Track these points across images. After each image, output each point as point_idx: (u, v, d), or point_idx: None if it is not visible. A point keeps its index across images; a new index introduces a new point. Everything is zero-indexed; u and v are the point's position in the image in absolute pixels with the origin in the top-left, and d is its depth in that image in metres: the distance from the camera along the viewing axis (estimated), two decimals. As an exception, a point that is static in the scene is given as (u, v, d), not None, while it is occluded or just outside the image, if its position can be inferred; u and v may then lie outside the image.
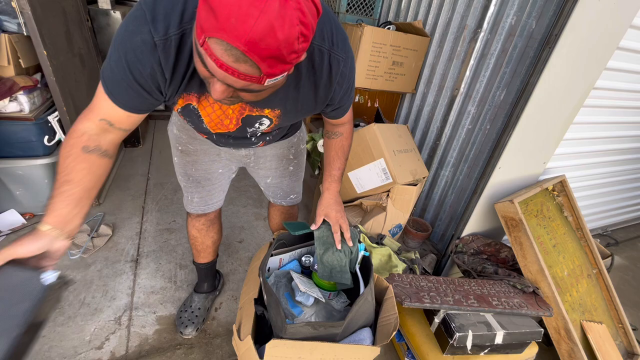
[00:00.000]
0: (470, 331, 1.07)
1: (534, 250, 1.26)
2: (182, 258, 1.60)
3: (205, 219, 1.15)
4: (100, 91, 0.65)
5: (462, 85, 1.63)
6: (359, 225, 1.47)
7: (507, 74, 1.41)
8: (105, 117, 0.68)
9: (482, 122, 1.56)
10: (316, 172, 1.94)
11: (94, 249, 1.55)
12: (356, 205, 1.59)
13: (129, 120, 0.70)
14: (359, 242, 1.05)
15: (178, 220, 1.84)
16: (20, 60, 1.41)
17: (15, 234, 1.57)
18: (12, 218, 1.62)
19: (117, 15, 2.13)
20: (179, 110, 0.80)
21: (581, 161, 1.68)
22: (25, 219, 1.65)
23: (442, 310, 1.14)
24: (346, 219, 1.03)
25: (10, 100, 1.42)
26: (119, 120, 0.69)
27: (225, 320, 1.33)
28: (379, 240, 1.50)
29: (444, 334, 1.11)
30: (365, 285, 0.97)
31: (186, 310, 1.27)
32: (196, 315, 1.26)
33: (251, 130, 0.87)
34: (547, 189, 1.46)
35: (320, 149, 1.74)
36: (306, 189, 1.33)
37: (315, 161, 1.92)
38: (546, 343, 1.34)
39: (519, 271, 1.35)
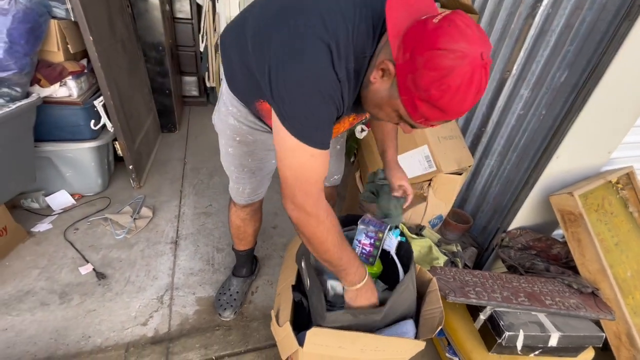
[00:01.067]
0: (521, 331, 1.00)
1: (594, 248, 1.15)
2: (219, 242, 1.63)
3: (250, 208, 1.15)
4: (305, 150, 0.63)
5: (515, 67, 1.50)
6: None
7: (571, 52, 1.27)
8: (326, 174, 0.70)
9: (537, 107, 1.43)
10: (352, 159, 1.89)
11: (136, 230, 1.61)
12: (394, 194, 1.53)
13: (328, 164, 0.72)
14: (396, 227, 1.00)
15: (214, 205, 1.87)
16: (69, 46, 1.45)
17: (66, 213, 1.67)
18: (63, 198, 1.72)
19: (155, 0, 2.15)
20: None
21: (651, 151, 1.50)
22: (74, 199, 1.75)
23: (488, 307, 1.07)
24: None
25: (60, 85, 1.48)
26: (328, 167, 0.70)
27: (262, 305, 1.34)
28: (418, 231, 1.44)
29: (491, 332, 1.05)
30: (405, 272, 0.93)
31: (225, 293, 1.30)
32: (234, 299, 1.28)
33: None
34: (610, 181, 1.32)
35: (358, 134, 1.68)
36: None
37: (352, 147, 1.87)
38: (601, 347, 1.24)
39: (573, 269, 1.24)
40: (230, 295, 1.29)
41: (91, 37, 1.42)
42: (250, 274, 1.37)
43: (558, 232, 1.50)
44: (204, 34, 2.87)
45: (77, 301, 1.26)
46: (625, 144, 1.33)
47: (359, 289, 0.78)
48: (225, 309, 1.25)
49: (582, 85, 1.11)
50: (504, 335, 0.99)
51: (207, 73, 3.03)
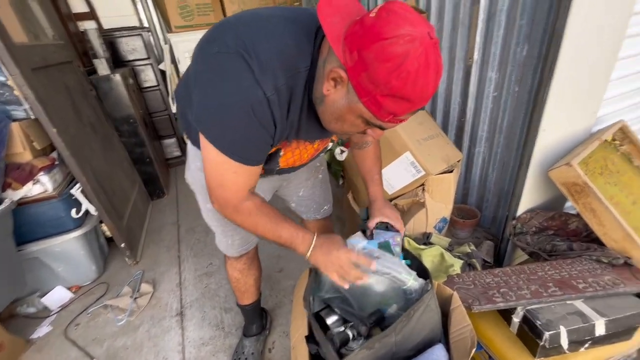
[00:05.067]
0: (561, 327, 0.90)
1: (611, 215, 1.06)
2: (225, 301, 1.54)
3: (246, 257, 1.09)
4: (229, 165, 0.65)
5: (475, 53, 1.48)
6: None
7: (525, 25, 1.25)
8: (251, 185, 0.72)
9: (508, 86, 1.40)
10: (340, 182, 1.84)
11: (139, 310, 1.53)
12: (391, 207, 1.47)
13: (257, 176, 0.74)
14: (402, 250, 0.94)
15: (215, 262, 1.80)
16: (34, 143, 1.45)
17: (65, 310, 1.59)
18: (60, 294, 1.65)
19: (117, 77, 2.19)
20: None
21: (637, 99, 1.45)
22: (72, 292, 1.68)
23: (519, 308, 0.98)
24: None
25: (33, 184, 1.46)
26: (256, 179, 0.73)
27: (282, 361, 1.24)
28: (425, 240, 1.36)
29: (530, 335, 0.95)
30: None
31: (239, 358, 1.20)
32: (250, 362, 1.18)
33: (316, 156, 0.93)
34: (606, 140, 1.26)
35: (338, 157, 1.64)
36: (335, 200, 1.25)
37: (337, 171, 1.82)
38: (655, 318, 1.12)
39: (597, 241, 1.15)
40: (246, 358, 1.19)
41: (54, 129, 1.42)
42: (261, 330, 1.28)
43: (570, 205, 1.42)
44: (173, 96, 2.92)
45: (85, 407, 1.16)
46: (608, 99, 1.28)
47: (312, 253, 0.76)
48: (243, 376, 1.15)
49: (545, 53, 1.08)
50: (544, 336, 0.89)
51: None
